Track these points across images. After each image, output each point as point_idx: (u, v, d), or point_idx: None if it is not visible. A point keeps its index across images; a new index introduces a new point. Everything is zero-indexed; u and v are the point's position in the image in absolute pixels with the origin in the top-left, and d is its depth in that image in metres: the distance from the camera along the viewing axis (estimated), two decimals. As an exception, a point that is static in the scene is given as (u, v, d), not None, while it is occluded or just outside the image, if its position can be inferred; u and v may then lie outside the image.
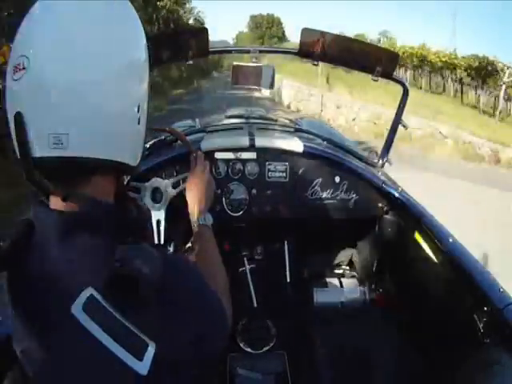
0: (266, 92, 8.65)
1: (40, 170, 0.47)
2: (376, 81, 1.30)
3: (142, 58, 0.53)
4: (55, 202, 0.52)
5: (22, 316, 0.52)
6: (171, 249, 1.04)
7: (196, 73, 15.67)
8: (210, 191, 0.93)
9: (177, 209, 1.03)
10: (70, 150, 0.46)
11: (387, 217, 1.41)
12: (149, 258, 0.46)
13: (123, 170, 0.55)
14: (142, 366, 0.39)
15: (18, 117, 0.45)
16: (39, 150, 0.46)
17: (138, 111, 0.52)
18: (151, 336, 0.42)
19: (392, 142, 1.42)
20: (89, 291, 0.40)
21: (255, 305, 1.35)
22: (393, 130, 1.40)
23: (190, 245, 0.95)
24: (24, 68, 0.44)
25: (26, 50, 0.45)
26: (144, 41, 0.54)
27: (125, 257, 0.45)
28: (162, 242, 1.04)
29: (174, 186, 1.08)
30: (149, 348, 0.40)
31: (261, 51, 1.35)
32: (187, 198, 0.93)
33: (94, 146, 0.48)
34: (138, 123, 0.53)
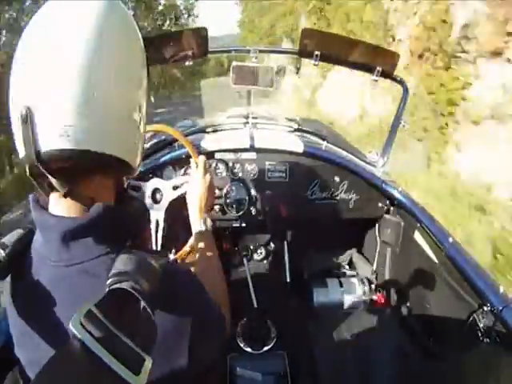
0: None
1: (43, 166, 0.47)
2: (376, 81, 1.30)
3: (140, 60, 0.56)
4: (55, 202, 0.52)
5: (23, 325, 0.53)
6: (171, 256, 1.04)
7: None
8: (210, 196, 0.94)
9: (176, 211, 1.03)
10: (74, 143, 0.46)
11: (387, 217, 1.41)
12: (148, 272, 0.47)
13: (124, 169, 0.56)
14: (140, 380, 0.39)
15: (28, 111, 0.45)
16: (45, 143, 0.46)
17: (140, 111, 0.55)
18: (149, 349, 0.43)
19: (393, 141, 1.42)
20: (87, 306, 0.41)
21: (255, 305, 1.35)
22: (393, 130, 1.40)
23: (188, 248, 0.95)
24: (33, 62, 0.45)
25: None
26: (142, 45, 0.56)
27: (124, 271, 0.45)
28: (160, 242, 1.04)
29: (175, 188, 1.08)
30: (145, 362, 0.41)
31: (261, 51, 1.35)
32: (187, 201, 0.94)
33: (98, 140, 0.49)
34: (139, 123, 0.56)
